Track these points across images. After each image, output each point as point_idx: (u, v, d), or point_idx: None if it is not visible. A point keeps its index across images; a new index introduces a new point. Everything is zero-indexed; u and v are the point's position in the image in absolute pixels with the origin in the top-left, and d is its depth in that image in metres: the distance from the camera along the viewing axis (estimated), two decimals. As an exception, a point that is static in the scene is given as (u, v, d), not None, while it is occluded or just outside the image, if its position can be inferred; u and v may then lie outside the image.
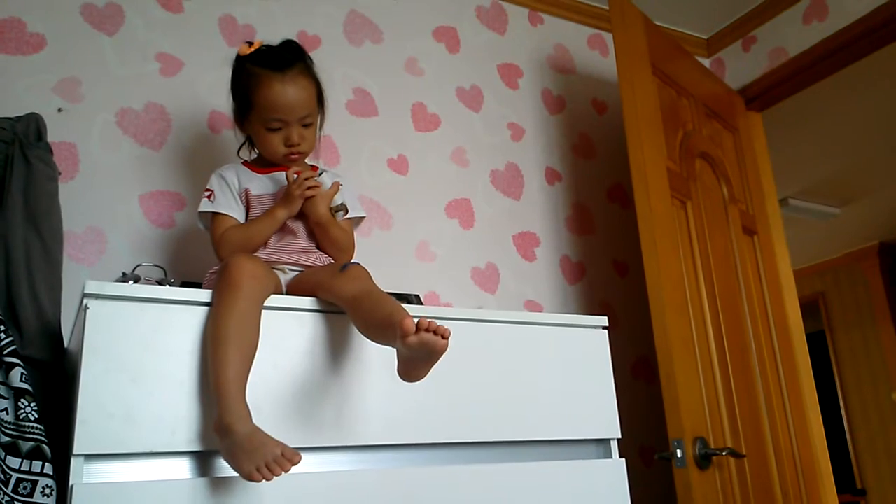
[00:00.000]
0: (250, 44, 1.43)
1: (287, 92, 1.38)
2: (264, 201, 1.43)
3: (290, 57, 1.42)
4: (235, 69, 1.45)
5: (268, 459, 1.01)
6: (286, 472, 1.01)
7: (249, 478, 1.01)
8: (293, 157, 1.43)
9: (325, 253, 1.43)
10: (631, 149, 1.93)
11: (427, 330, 1.02)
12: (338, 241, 1.43)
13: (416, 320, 1.02)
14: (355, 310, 1.21)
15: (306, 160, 1.52)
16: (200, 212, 1.42)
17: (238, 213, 1.41)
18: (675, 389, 1.73)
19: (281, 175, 1.44)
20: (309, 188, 1.36)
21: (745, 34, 2.70)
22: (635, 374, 2.29)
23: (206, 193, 1.42)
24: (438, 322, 1.03)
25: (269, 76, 1.38)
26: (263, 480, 1.01)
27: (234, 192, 1.43)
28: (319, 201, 1.38)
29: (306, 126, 1.43)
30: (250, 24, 2.01)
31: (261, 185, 1.45)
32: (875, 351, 5.22)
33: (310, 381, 1.21)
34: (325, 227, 1.40)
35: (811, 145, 3.68)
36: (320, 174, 1.42)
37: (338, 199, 1.42)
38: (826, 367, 5.38)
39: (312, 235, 1.43)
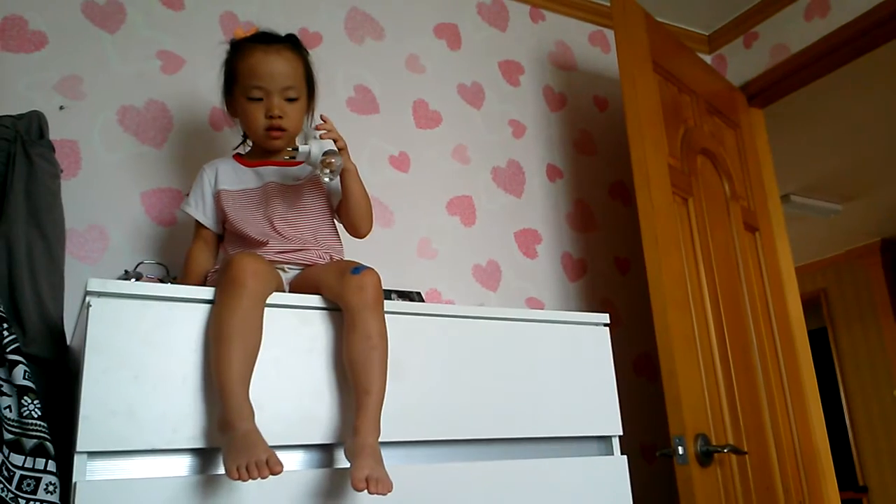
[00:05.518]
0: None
1: (268, 59, 1.39)
2: (240, 198, 1.42)
3: (279, 37, 1.44)
4: (227, 53, 1.47)
5: (250, 461, 1.01)
6: (263, 478, 1.01)
7: (229, 474, 1.01)
8: (274, 133, 1.40)
9: (348, 218, 1.44)
10: (632, 145, 1.93)
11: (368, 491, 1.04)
12: (362, 201, 1.42)
13: (365, 480, 1.04)
14: (347, 342, 1.21)
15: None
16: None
17: (201, 215, 1.45)
18: (677, 386, 1.73)
19: (266, 170, 1.44)
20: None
21: (746, 31, 2.70)
22: (637, 370, 2.29)
23: (189, 192, 1.49)
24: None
25: (253, 46, 1.41)
26: (240, 480, 1.00)
27: (205, 192, 1.45)
28: (346, 158, 1.36)
29: (290, 101, 1.41)
30: (251, 20, 2.00)
31: (242, 178, 1.45)
32: (877, 347, 5.21)
33: (311, 378, 1.21)
34: (355, 174, 1.39)
35: (813, 142, 3.68)
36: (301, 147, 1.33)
37: (337, 162, 1.33)
38: (828, 363, 5.37)
39: (307, 234, 1.41)
